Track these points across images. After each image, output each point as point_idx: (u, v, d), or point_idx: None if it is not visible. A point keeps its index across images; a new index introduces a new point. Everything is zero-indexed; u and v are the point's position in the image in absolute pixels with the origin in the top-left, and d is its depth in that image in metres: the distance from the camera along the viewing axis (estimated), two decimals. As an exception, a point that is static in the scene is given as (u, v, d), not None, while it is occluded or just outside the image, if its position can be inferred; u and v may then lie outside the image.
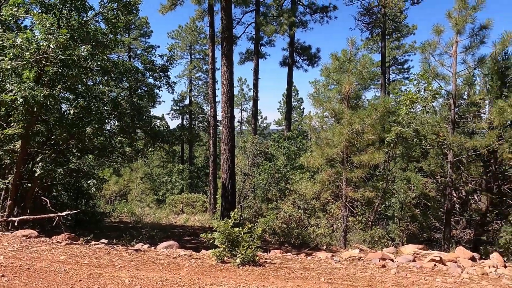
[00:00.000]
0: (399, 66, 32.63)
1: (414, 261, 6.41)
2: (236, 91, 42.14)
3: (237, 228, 5.24)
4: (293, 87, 40.17)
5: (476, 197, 10.31)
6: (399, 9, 18.67)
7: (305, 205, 11.65)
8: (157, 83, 10.35)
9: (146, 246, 6.13)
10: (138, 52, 30.75)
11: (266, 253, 6.24)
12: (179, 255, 5.38)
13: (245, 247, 4.99)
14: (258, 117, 43.00)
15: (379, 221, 12.14)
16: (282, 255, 6.09)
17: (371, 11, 18.52)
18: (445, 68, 9.01)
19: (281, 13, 19.58)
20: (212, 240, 5.35)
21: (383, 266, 5.76)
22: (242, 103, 41.73)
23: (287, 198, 13.01)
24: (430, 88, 8.12)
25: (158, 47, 30.29)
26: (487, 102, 9.61)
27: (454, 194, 10.42)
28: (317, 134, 9.18)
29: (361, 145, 8.61)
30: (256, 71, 20.56)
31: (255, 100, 21.67)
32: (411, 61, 31.80)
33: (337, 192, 9.96)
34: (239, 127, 43.37)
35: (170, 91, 11.21)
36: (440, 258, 6.36)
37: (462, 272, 5.78)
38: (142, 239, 8.11)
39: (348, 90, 8.38)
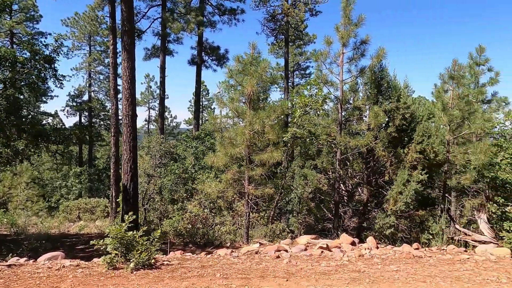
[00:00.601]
0: (302, 71, 35.28)
1: (305, 250, 7.04)
2: (143, 88, 40.03)
3: (131, 232, 5.01)
4: (204, 87, 40.03)
5: (359, 189, 11.81)
6: (300, 18, 20.17)
7: (211, 204, 11.74)
8: (42, 75, 9.10)
9: (23, 260, 5.39)
10: (24, 38, 26.75)
11: (165, 255, 6.11)
12: (63, 266, 4.88)
13: (140, 251, 4.80)
14: (167, 116, 41.61)
15: (281, 216, 12.97)
16: (182, 256, 6.03)
17: (275, 18, 19.59)
18: (334, 76, 10.11)
19: (188, 11, 19.31)
20: (104, 247, 5.01)
21: (278, 257, 6.19)
22: (150, 101, 39.80)
23: (194, 198, 12.92)
24: (320, 93, 9.04)
25: (50, 34, 26.80)
26: (367, 107, 11.07)
27: (343, 188, 11.77)
28: (221, 134, 9.34)
29: (262, 145, 9.06)
30: (163, 68, 19.84)
31: (162, 98, 20.90)
32: (312, 67, 34.69)
33: (241, 190, 10.30)
34: (147, 126, 41.26)
35: (58, 85, 9.99)
36: (327, 245, 7.13)
37: (343, 256, 6.58)
38: (21, 252, 7.11)
39: (250, 92, 8.73)
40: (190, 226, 10.38)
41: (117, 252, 4.85)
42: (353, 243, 7.64)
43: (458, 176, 10.28)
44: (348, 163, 11.16)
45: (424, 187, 10.44)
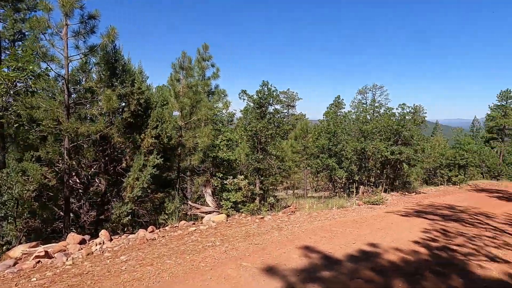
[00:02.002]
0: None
1: (15, 265, 5.57)
2: None
3: None
4: None
5: (97, 179, 10.87)
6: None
7: None
8: None
9: None
10: None
11: None
12: None
13: None
14: None
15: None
16: None
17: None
18: (56, 50, 8.55)
19: None
20: None
21: (-38, 288, 4.49)
22: None
23: None
24: (31, 68, 7.31)
25: None
26: (102, 90, 10.20)
27: (77, 180, 10.44)
28: None
29: None
30: None
31: None
32: (41, 39, 28.87)
33: None
34: None
35: None
36: (46, 252, 5.95)
37: (67, 260, 5.68)
38: None
39: None
40: None
41: None
42: (82, 242, 6.80)
43: (189, 158, 11.49)
44: (81, 152, 9.94)
45: (162, 170, 10.95)
